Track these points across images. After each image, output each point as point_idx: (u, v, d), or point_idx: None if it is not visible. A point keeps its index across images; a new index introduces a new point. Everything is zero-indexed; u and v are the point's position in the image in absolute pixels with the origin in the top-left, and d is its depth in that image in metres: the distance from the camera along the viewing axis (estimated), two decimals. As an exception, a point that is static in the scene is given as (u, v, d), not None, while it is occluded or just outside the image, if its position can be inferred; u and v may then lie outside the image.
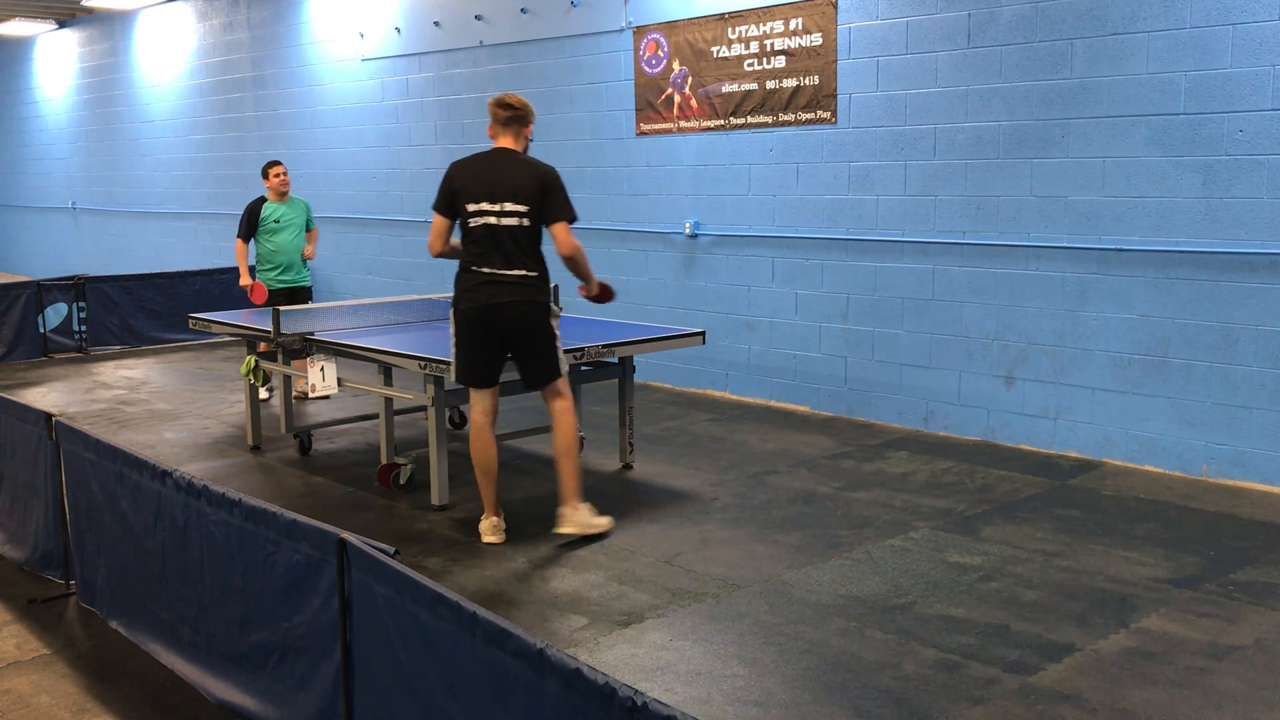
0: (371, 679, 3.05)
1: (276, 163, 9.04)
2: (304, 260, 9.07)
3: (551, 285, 5.52)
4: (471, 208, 5.30)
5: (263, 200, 8.95)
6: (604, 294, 5.80)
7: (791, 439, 7.46)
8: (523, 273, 5.29)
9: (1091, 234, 6.68)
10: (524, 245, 5.31)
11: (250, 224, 8.89)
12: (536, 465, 6.95)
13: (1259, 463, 6.18)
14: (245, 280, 8.89)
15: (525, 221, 5.29)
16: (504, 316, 5.28)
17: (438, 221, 5.43)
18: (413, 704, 2.87)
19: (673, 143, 8.89)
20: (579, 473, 5.51)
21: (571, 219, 5.38)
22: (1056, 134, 6.76)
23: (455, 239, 5.52)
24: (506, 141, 5.42)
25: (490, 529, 5.51)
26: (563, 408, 5.48)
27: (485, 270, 5.28)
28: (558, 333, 5.46)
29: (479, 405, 5.48)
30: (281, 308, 7.06)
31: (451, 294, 5.45)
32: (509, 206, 5.26)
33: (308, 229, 9.14)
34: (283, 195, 8.98)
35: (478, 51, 10.45)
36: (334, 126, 12.26)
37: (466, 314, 5.32)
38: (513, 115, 5.39)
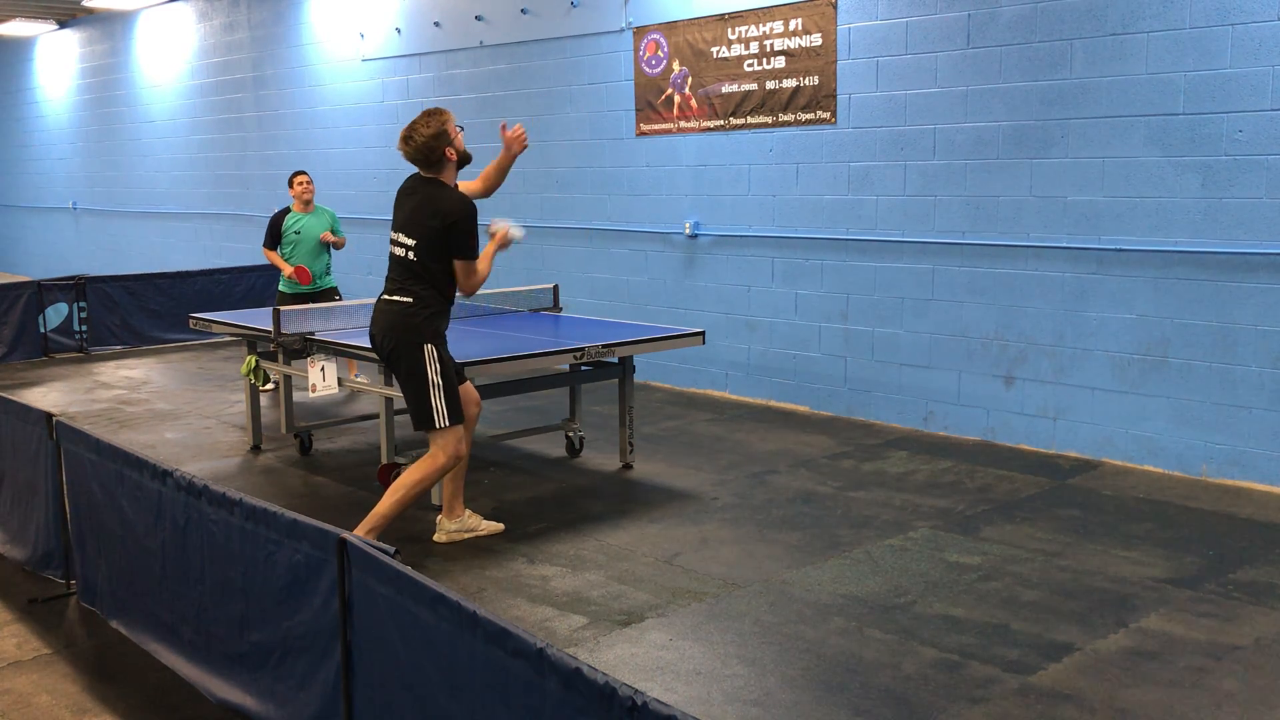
0: (371, 679, 3.06)
1: (301, 172, 9.06)
2: (326, 246, 9.08)
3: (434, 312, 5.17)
4: (392, 235, 5.29)
5: (286, 210, 9.00)
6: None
7: (791, 439, 7.46)
8: (400, 298, 5.11)
9: (1091, 234, 6.69)
10: (413, 271, 5.12)
11: (273, 235, 8.96)
12: (537, 465, 6.95)
13: (1258, 463, 6.18)
14: (288, 269, 8.90)
15: (412, 255, 5.11)
16: (375, 341, 5.25)
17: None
18: (413, 704, 2.87)
19: (672, 143, 8.90)
20: (390, 516, 5.12)
21: (471, 257, 5.10)
22: (1056, 134, 6.76)
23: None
24: (427, 172, 5.32)
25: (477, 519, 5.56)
26: (427, 455, 5.18)
27: (383, 296, 5.24)
28: (429, 370, 5.08)
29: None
30: (283, 308, 7.05)
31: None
32: (400, 237, 5.18)
33: (334, 234, 9.16)
34: (306, 205, 8.99)
35: (478, 52, 10.45)
36: (334, 127, 12.26)
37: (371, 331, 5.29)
38: (415, 155, 5.28)
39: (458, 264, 5.07)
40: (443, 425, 5.06)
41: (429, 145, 5.18)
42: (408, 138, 5.20)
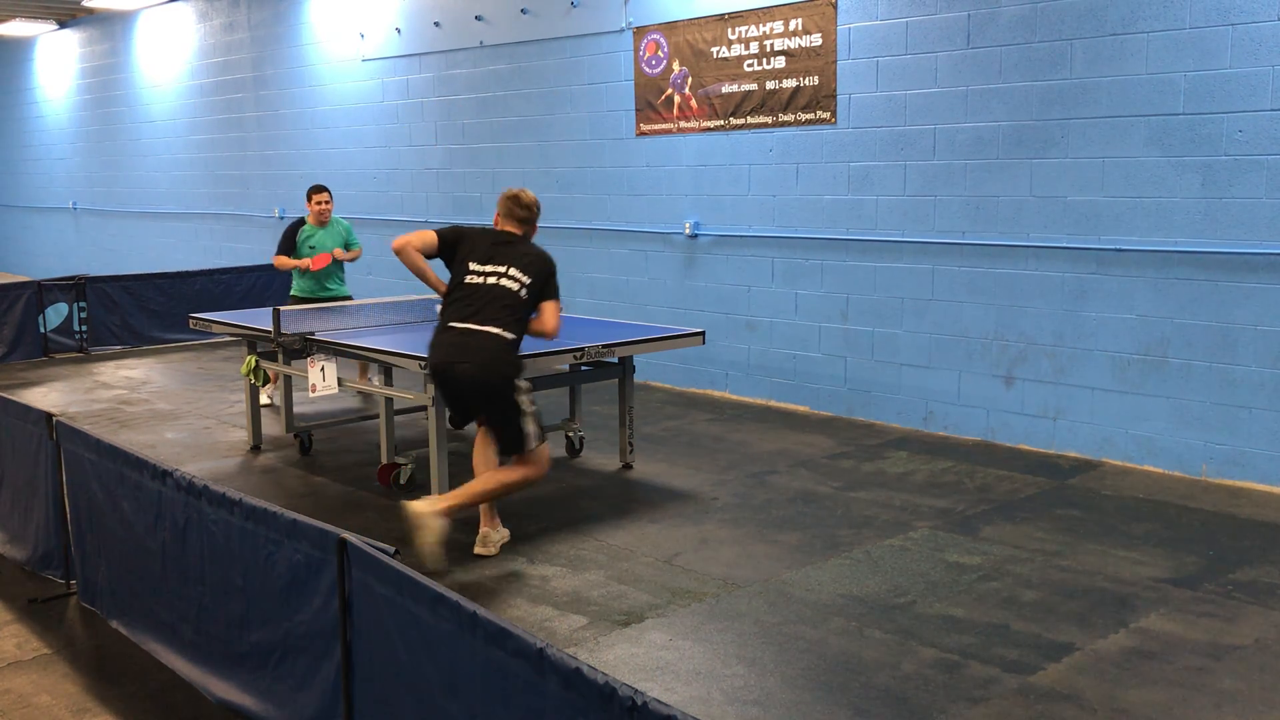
0: (371, 679, 3.06)
1: (321, 189, 8.85)
2: (335, 255, 8.88)
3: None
4: (473, 267, 5.31)
5: (302, 222, 8.81)
6: None
7: (791, 439, 7.46)
8: (497, 331, 5.21)
9: (1091, 234, 6.69)
10: (519, 308, 5.30)
11: (287, 244, 8.75)
12: (536, 465, 6.95)
13: (1258, 463, 6.18)
14: (304, 262, 8.69)
15: (525, 293, 5.29)
16: (465, 378, 5.22)
17: (428, 236, 5.42)
18: (413, 704, 2.87)
19: (673, 143, 8.90)
20: (473, 502, 5.21)
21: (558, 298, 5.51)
22: (1056, 134, 6.76)
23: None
24: (518, 229, 5.52)
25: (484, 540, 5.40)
26: (523, 466, 5.35)
27: (462, 326, 5.23)
28: (523, 401, 5.27)
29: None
30: (283, 308, 7.05)
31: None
32: (513, 271, 5.30)
33: (348, 249, 8.97)
34: (322, 223, 8.82)
35: (478, 52, 10.45)
36: (334, 127, 12.26)
37: (435, 364, 5.30)
38: (529, 217, 5.54)
39: (551, 305, 5.40)
40: (534, 446, 5.25)
41: (537, 212, 5.61)
42: (531, 204, 5.55)
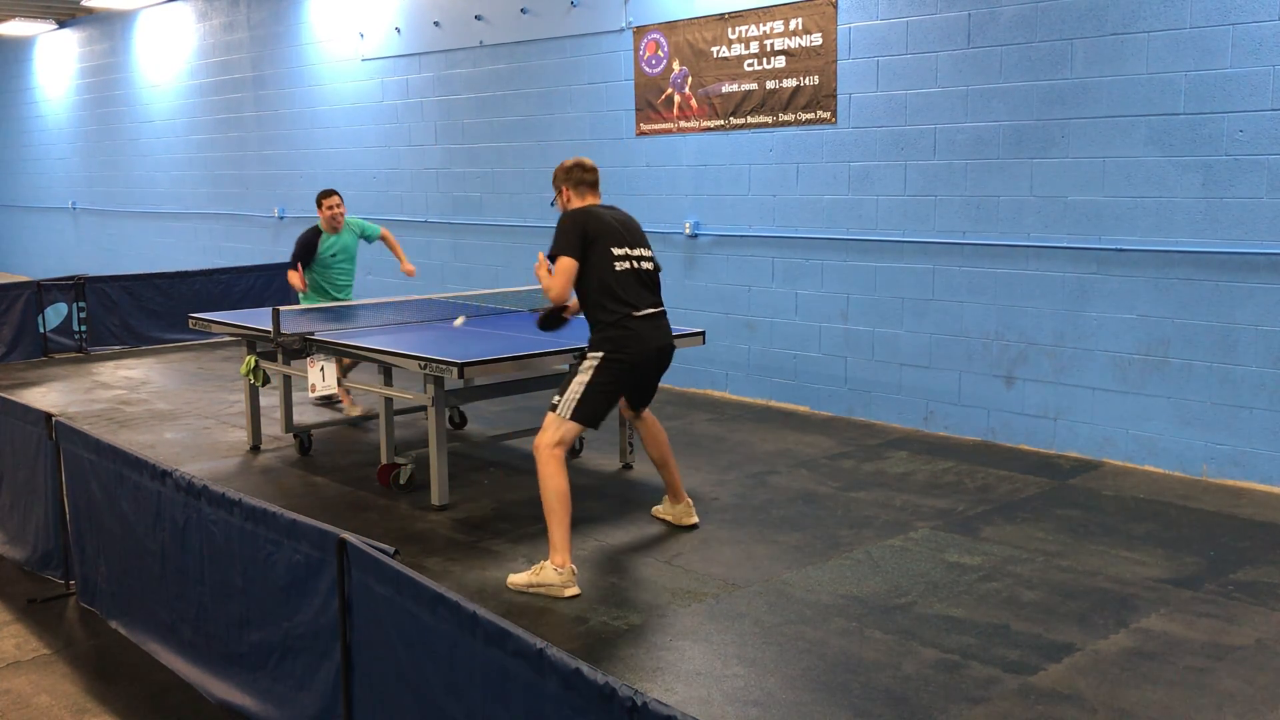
0: (371, 679, 3.05)
1: (332, 193, 8.36)
2: (407, 274, 8.64)
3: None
4: (617, 252, 5.26)
5: (318, 232, 8.34)
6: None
7: (791, 439, 7.46)
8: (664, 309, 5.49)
9: (1091, 234, 6.68)
10: (659, 287, 5.51)
11: (306, 254, 8.27)
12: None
13: (1259, 463, 6.18)
14: (296, 283, 8.23)
15: (654, 268, 5.45)
16: (667, 354, 5.46)
17: (569, 264, 5.14)
18: (413, 704, 2.87)
19: (673, 143, 8.89)
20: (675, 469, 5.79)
21: None
22: (1056, 134, 6.76)
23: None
24: (595, 200, 5.45)
25: (572, 579, 4.91)
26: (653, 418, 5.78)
27: (648, 311, 5.30)
28: None
29: (572, 437, 5.22)
30: (282, 308, 7.05)
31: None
32: (645, 253, 5.40)
33: (371, 238, 8.60)
34: (335, 229, 8.36)
35: (478, 51, 10.45)
36: (334, 126, 12.26)
37: (637, 356, 5.26)
38: (598, 179, 5.49)
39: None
40: None
41: (597, 173, 5.56)
42: (596, 168, 5.49)
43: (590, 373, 5.17)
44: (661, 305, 5.41)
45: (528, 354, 5.97)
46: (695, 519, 5.74)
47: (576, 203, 5.37)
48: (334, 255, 8.38)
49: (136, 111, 15.88)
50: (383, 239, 8.72)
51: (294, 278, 8.23)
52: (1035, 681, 3.98)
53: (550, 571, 4.86)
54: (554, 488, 5.00)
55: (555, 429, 5.10)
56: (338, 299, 8.45)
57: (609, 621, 4.55)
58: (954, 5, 7.12)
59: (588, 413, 5.17)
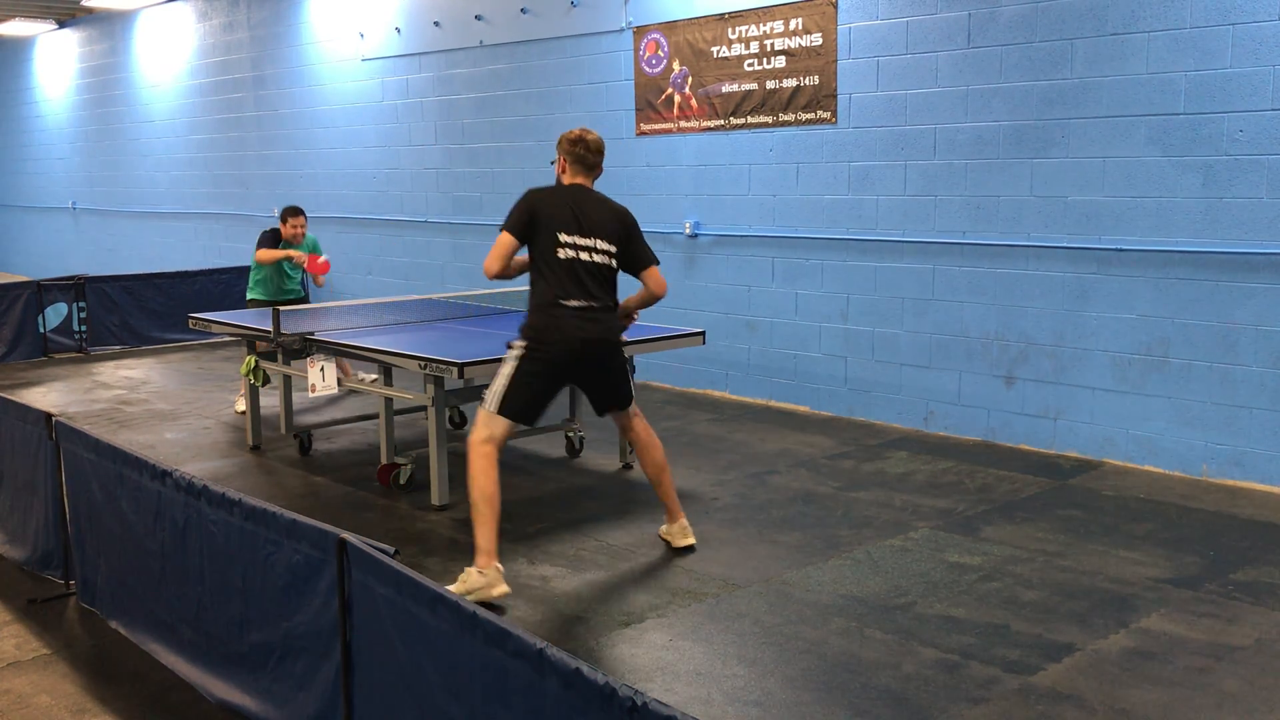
0: (371, 679, 3.05)
1: (298, 213, 8.65)
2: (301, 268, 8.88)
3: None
4: (563, 239, 5.02)
5: (279, 235, 8.60)
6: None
7: (791, 439, 7.46)
8: (605, 305, 5.15)
9: (1091, 234, 6.68)
10: (608, 283, 5.18)
11: (271, 243, 8.56)
12: (537, 465, 6.95)
13: (1259, 463, 6.18)
14: (299, 256, 8.51)
15: (613, 263, 5.16)
16: (597, 349, 5.11)
17: (506, 241, 5.01)
18: (413, 704, 2.87)
19: (673, 143, 8.89)
20: (670, 483, 5.43)
21: (657, 261, 5.33)
22: (1056, 134, 6.76)
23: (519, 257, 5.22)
24: (586, 180, 5.24)
25: (498, 578, 4.76)
26: (646, 425, 5.48)
27: (579, 304, 5.02)
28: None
29: (503, 433, 5.03)
30: (282, 308, 7.06)
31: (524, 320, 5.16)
32: (601, 246, 5.08)
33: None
34: (294, 243, 8.62)
35: (478, 51, 10.45)
36: (334, 126, 12.26)
37: (557, 349, 5.03)
38: (598, 163, 5.26)
39: (652, 271, 5.26)
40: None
41: (600, 153, 5.29)
42: (601, 148, 5.25)
43: (514, 362, 4.99)
44: (601, 302, 5.05)
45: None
46: (690, 540, 5.36)
47: (567, 178, 5.19)
48: (288, 259, 8.66)
49: (136, 111, 15.87)
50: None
51: (269, 253, 8.54)
52: (1035, 681, 3.98)
53: (475, 576, 4.71)
54: (479, 487, 4.83)
55: (484, 424, 4.95)
56: (285, 291, 8.78)
57: (609, 621, 4.55)
58: (954, 5, 7.12)
59: (516, 406, 4.97)
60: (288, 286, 8.80)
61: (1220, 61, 6.10)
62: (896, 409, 7.74)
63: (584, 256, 5.04)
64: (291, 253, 8.53)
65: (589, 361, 5.09)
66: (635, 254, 5.20)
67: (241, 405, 8.59)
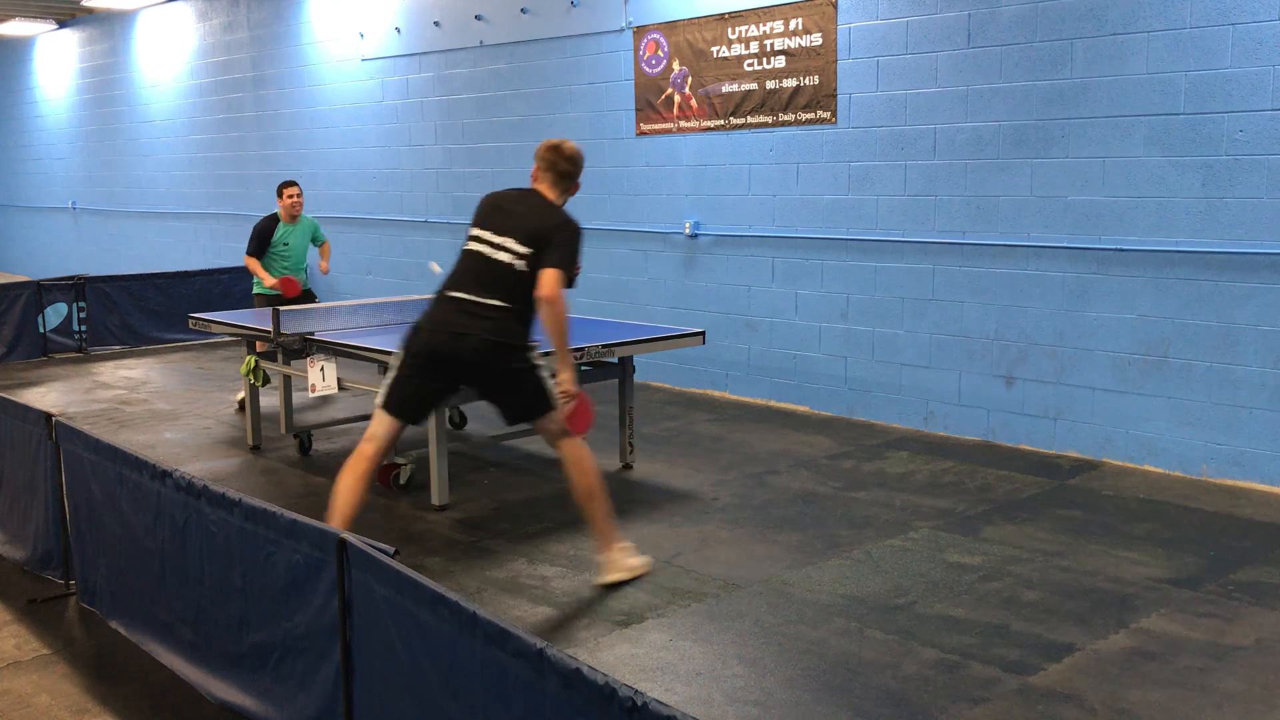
0: (371, 679, 3.05)
1: (292, 183, 8.86)
2: (321, 272, 9.22)
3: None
4: (474, 232, 4.90)
5: (275, 220, 8.77)
6: (579, 408, 4.98)
7: (791, 439, 7.46)
8: (498, 305, 4.76)
9: (1091, 234, 6.68)
10: (509, 285, 4.79)
11: (261, 244, 8.71)
12: (537, 465, 6.95)
13: (1259, 463, 6.18)
14: (270, 280, 8.63)
15: (519, 264, 4.77)
16: (466, 346, 4.74)
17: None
18: (413, 704, 2.87)
19: (673, 143, 8.89)
20: (609, 513, 4.97)
21: (565, 269, 4.75)
22: (1056, 134, 6.76)
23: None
24: (542, 187, 5.02)
25: None
26: (573, 448, 4.94)
27: (464, 295, 4.79)
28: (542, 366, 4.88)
29: (385, 432, 4.82)
30: (281, 308, 7.06)
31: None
32: (512, 246, 4.79)
33: (316, 243, 9.12)
34: (294, 218, 8.83)
35: (478, 51, 10.45)
36: (334, 126, 12.26)
37: (420, 341, 4.81)
38: (568, 171, 5.03)
39: (545, 272, 4.71)
40: (557, 404, 4.83)
41: (576, 163, 5.07)
42: (559, 146, 5.02)
43: (400, 354, 4.82)
44: (493, 300, 4.72)
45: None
46: (617, 576, 4.91)
47: (533, 182, 5.04)
48: (285, 245, 8.80)
49: (136, 111, 15.87)
50: (323, 245, 9.20)
51: (254, 265, 8.71)
52: (1035, 681, 3.98)
53: None
54: (338, 486, 4.69)
55: (374, 419, 4.83)
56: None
57: (609, 621, 4.55)
58: (954, 5, 7.12)
59: (394, 402, 4.78)
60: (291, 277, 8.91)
61: (1220, 61, 6.10)
62: (896, 409, 7.74)
63: (487, 251, 4.80)
64: (268, 282, 8.61)
65: (469, 362, 4.73)
66: (546, 258, 4.75)
67: (241, 394, 8.64)
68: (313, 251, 9.38)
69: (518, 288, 4.76)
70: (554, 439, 4.92)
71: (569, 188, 5.09)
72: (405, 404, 4.80)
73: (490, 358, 4.73)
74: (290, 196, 8.78)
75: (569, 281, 4.76)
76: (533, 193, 5.02)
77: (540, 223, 4.85)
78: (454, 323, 4.74)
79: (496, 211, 4.93)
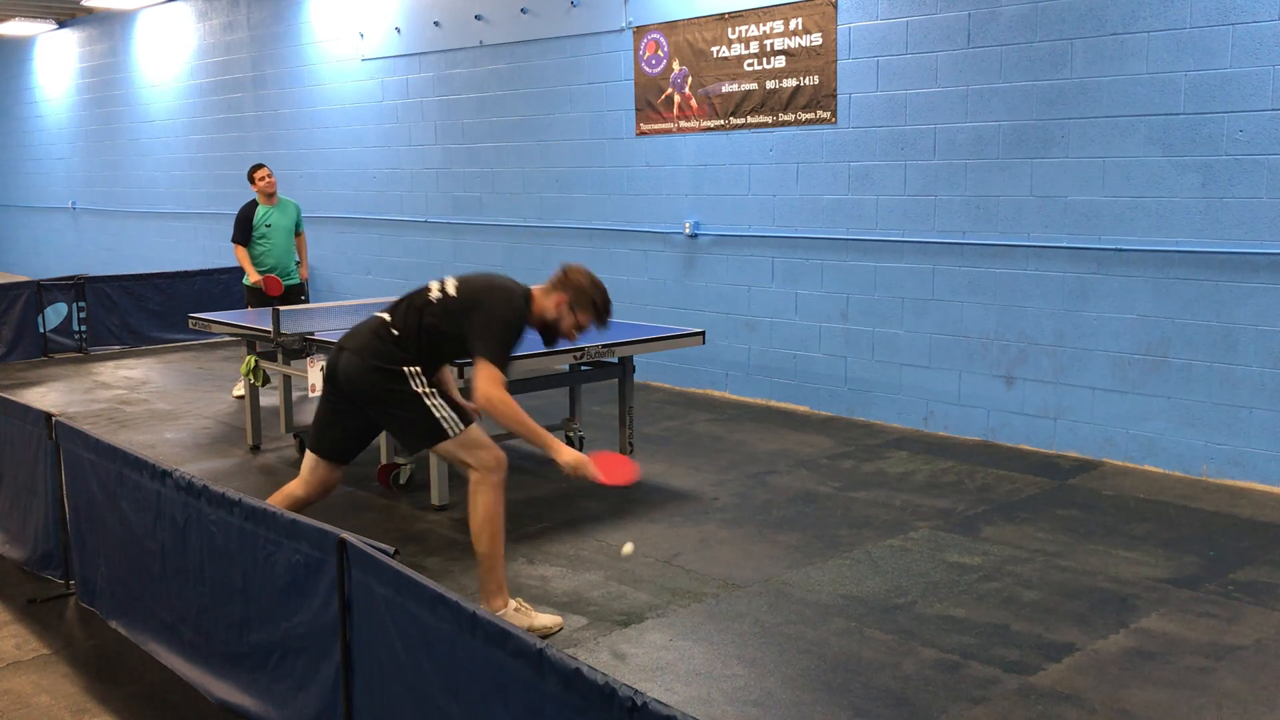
0: (371, 679, 3.05)
1: (260, 165, 9.11)
2: (300, 278, 9.36)
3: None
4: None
5: (254, 205, 9.03)
6: (610, 467, 4.42)
7: (791, 439, 7.46)
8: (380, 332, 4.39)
9: (1091, 234, 6.68)
10: (408, 316, 4.41)
11: (244, 229, 8.96)
12: (537, 465, 6.95)
13: (1259, 463, 6.18)
14: (255, 276, 8.90)
15: (432, 298, 4.45)
16: (344, 377, 4.39)
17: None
18: (413, 704, 2.87)
19: (673, 143, 8.89)
20: (496, 564, 4.39)
21: (492, 359, 4.21)
22: (1056, 134, 6.76)
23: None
24: (538, 290, 4.52)
25: None
26: (472, 479, 4.41)
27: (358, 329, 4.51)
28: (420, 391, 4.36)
29: (309, 471, 4.52)
30: (281, 308, 7.06)
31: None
32: (446, 285, 4.50)
33: (296, 232, 9.25)
34: (270, 197, 9.06)
35: (478, 51, 10.45)
36: (334, 126, 12.26)
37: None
38: (591, 299, 4.44)
39: (478, 363, 4.23)
40: (457, 431, 4.36)
41: (600, 293, 4.47)
42: (591, 274, 4.50)
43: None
44: (384, 315, 4.45)
45: (528, 354, 5.96)
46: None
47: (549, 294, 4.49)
48: (269, 226, 8.98)
49: (136, 111, 15.87)
50: (299, 238, 9.34)
51: (241, 256, 8.92)
52: (1035, 681, 3.98)
53: None
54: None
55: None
56: (285, 278, 9.05)
57: (609, 621, 4.55)
58: (954, 5, 7.12)
59: (313, 436, 4.52)
60: (287, 273, 9.07)
61: (1220, 61, 6.10)
62: (896, 409, 7.74)
63: (417, 296, 4.50)
64: (254, 278, 8.84)
65: (342, 383, 4.39)
66: (468, 330, 4.30)
67: (240, 389, 8.69)
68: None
69: (417, 318, 4.39)
70: (463, 467, 4.43)
71: (560, 301, 4.45)
72: (319, 440, 4.48)
73: (355, 376, 4.34)
74: (262, 179, 8.98)
75: (504, 370, 4.23)
76: (521, 291, 4.48)
77: (484, 284, 4.44)
78: (345, 342, 4.44)
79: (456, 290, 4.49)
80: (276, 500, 4.40)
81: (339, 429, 4.48)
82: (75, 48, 17.19)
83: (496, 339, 4.27)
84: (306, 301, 9.46)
